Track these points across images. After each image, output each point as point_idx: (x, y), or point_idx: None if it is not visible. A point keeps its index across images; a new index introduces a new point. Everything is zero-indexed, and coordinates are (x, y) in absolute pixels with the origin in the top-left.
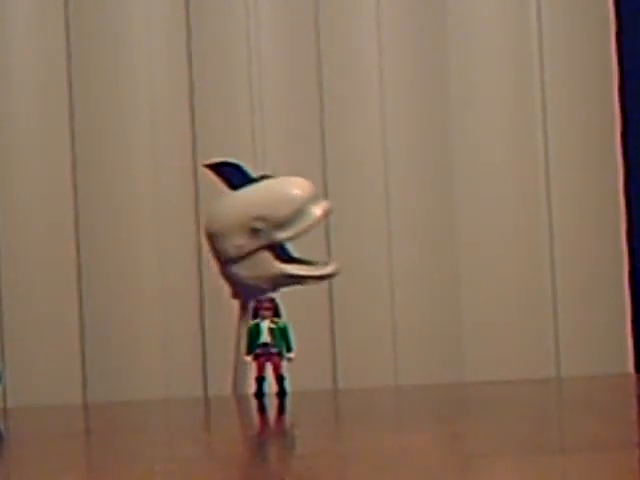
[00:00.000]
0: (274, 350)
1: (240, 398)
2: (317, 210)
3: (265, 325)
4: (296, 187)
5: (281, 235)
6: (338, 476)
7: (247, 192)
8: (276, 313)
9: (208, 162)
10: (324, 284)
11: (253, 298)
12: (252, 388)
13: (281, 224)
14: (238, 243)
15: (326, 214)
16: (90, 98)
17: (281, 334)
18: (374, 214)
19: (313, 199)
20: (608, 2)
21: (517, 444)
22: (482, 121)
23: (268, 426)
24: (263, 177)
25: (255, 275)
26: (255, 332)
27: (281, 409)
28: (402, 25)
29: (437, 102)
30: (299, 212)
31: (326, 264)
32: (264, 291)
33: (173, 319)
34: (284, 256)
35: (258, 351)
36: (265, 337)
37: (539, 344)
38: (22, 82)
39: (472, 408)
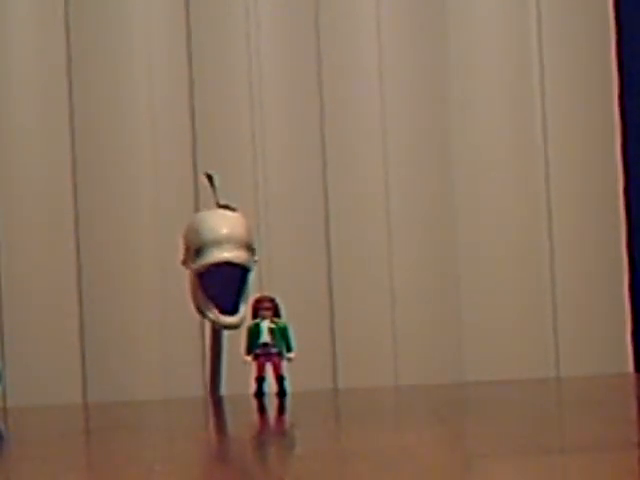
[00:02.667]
0: (274, 350)
1: (218, 399)
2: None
3: (265, 325)
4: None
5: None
6: (338, 476)
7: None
8: (276, 313)
9: (207, 172)
10: (324, 284)
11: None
12: (252, 388)
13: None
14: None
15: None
16: (90, 98)
17: (281, 334)
18: (374, 214)
19: (217, 243)
20: (608, 2)
21: (517, 444)
22: (482, 121)
23: (268, 426)
24: (223, 206)
25: None
26: (255, 332)
27: (281, 409)
28: (402, 25)
29: (437, 102)
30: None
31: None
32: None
33: (173, 319)
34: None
35: (258, 351)
36: (265, 337)
37: (539, 344)
38: (22, 82)
39: (472, 408)
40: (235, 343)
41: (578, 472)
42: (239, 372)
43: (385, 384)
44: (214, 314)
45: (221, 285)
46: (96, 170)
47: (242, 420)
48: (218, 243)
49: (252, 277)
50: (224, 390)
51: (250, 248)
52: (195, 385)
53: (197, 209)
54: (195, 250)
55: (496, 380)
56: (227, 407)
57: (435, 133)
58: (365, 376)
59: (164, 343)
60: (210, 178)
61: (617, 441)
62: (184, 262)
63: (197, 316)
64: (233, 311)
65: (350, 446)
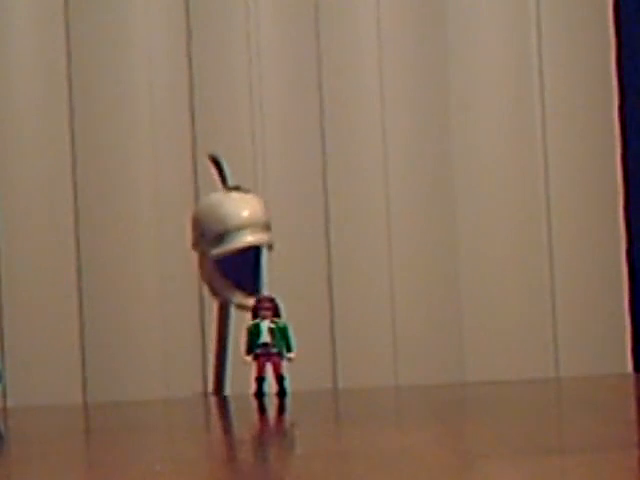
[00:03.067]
0: (274, 350)
1: (219, 400)
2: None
3: (265, 325)
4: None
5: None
6: (338, 476)
7: (219, 198)
8: (276, 313)
9: (212, 154)
10: (324, 284)
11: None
12: (252, 388)
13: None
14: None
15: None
16: (90, 99)
17: (281, 334)
18: (374, 214)
19: (240, 227)
20: (608, 3)
21: (517, 444)
22: (482, 121)
23: (268, 426)
24: (235, 188)
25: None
26: (255, 332)
27: (281, 409)
28: (402, 26)
29: (437, 102)
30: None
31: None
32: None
33: (173, 319)
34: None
35: (258, 351)
36: (265, 337)
37: (538, 344)
38: (22, 83)
39: (472, 408)
40: (235, 342)
41: (578, 472)
42: (239, 372)
43: (385, 384)
44: (238, 298)
45: (238, 267)
46: (96, 167)
47: (242, 420)
48: (241, 227)
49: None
50: (224, 390)
51: (269, 227)
52: (195, 385)
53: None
54: (216, 236)
55: (496, 380)
56: (227, 407)
57: (435, 133)
58: (365, 376)
59: (164, 343)
60: (216, 161)
61: (617, 441)
62: (195, 246)
63: (197, 315)
64: (256, 292)
65: (350, 446)
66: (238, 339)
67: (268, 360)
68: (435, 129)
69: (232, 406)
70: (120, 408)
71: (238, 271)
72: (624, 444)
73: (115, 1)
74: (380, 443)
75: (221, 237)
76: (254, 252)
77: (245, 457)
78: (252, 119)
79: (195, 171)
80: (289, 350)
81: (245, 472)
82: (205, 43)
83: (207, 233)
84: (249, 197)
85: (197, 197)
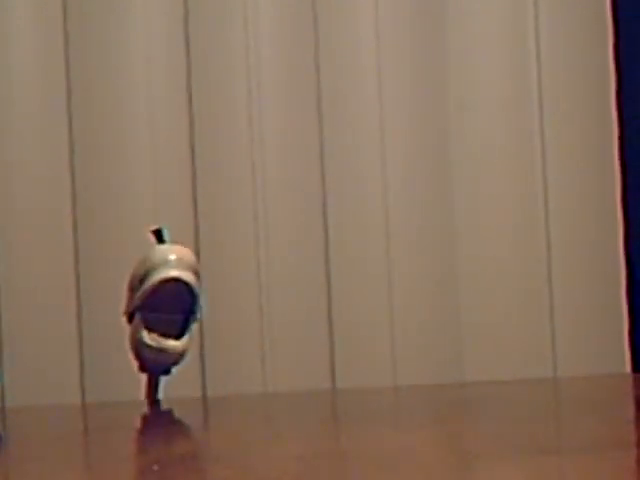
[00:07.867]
0: None
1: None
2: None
3: None
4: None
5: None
6: (338, 476)
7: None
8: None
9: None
10: (322, 284)
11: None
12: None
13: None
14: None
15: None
16: (89, 99)
17: None
18: (372, 214)
19: (165, 264)
20: (606, 5)
21: (517, 444)
22: (482, 121)
23: (268, 426)
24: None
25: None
26: None
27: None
28: (401, 26)
29: (436, 103)
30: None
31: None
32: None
33: None
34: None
35: None
36: None
37: (536, 344)
38: (20, 83)
39: (472, 408)
40: (235, 340)
41: (577, 472)
42: (238, 371)
43: (383, 384)
44: (154, 339)
45: (166, 323)
46: (94, 167)
47: (242, 420)
48: (166, 264)
49: (201, 308)
50: (223, 390)
51: (197, 274)
52: (195, 385)
53: (196, 211)
54: (140, 278)
55: (495, 380)
56: (227, 407)
57: (434, 134)
58: (364, 376)
59: None
60: (159, 234)
61: (616, 441)
62: (126, 310)
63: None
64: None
65: (350, 446)
66: (238, 337)
67: None
68: (434, 129)
69: (232, 406)
70: (120, 408)
71: (164, 323)
72: (623, 444)
73: (114, 2)
74: (379, 443)
75: (146, 276)
76: (187, 305)
77: (245, 457)
78: (251, 120)
79: (194, 173)
80: None
81: (245, 472)
82: (204, 43)
83: (134, 281)
84: (180, 246)
85: (195, 200)
